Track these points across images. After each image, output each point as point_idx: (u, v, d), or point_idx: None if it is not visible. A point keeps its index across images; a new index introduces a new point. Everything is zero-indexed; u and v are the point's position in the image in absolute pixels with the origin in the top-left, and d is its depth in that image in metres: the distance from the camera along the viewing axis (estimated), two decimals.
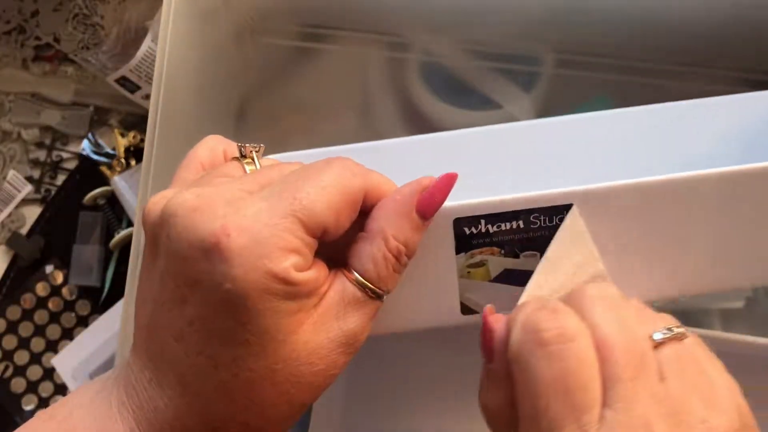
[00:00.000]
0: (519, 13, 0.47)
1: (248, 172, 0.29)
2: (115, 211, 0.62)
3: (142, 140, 0.61)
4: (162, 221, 0.27)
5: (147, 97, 0.60)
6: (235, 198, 0.26)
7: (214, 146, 0.31)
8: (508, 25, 0.47)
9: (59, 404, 0.29)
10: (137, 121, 0.63)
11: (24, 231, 0.63)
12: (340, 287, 0.28)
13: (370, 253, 0.28)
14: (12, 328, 0.61)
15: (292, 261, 0.26)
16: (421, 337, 0.48)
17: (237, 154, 0.30)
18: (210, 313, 0.26)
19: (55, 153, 0.64)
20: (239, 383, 0.26)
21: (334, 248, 0.28)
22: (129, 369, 0.29)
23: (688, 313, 0.50)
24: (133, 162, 0.61)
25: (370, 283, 0.28)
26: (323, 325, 0.27)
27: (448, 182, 0.29)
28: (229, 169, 0.29)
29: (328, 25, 0.57)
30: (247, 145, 0.30)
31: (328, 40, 0.57)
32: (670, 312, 0.50)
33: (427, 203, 0.29)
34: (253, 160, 0.30)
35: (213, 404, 0.27)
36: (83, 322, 0.61)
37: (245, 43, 0.56)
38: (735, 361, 0.46)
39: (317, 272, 0.27)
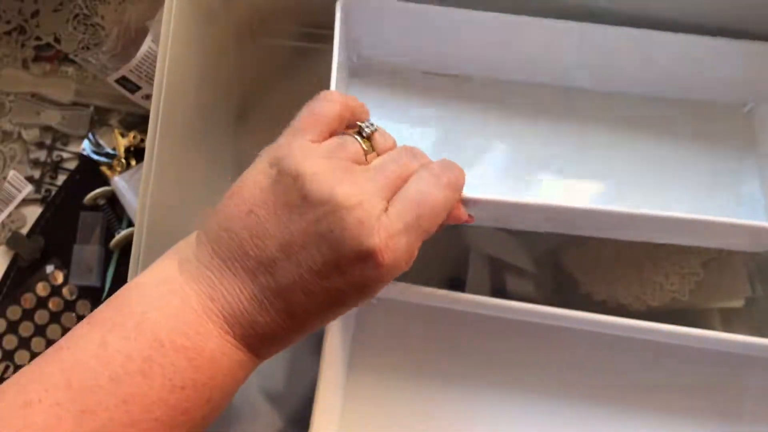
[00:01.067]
0: (518, 13, 0.47)
1: (367, 151, 0.37)
2: (115, 211, 0.62)
3: (143, 140, 0.61)
4: (321, 201, 0.33)
5: (147, 97, 0.60)
6: (383, 216, 0.34)
7: (342, 113, 0.37)
8: None
9: (122, 313, 0.34)
10: (137, 122, 0.63)
11: (24, 231, 0.63)
12: None
13: None
14: (12, 328, 0.61)
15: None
16: (420, 338, 0.48)
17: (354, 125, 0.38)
18: (348, 291, 0.34)
19: (55, 153, 0.64)
20: (336, 316, 0.37)
21: None
22: (220, 287, 0.34)
23: (687, 313, 0.50)
24: (133, 162, 0.61)
25: None
26: None
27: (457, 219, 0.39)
28: (353, 149, 0.36)
29: (328, 26, 0.57)
30: (366, 125, 0.37)
31: (328, 40, 0.57)
32: (671, 312, 0.50)
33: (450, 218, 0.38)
34: (369, 140, 0.37)
35: (312, 329, 0.36)
36: None
37: (245, 44, 0.56)
38: (735, 361, 0.46)
39: None
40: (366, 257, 0.33)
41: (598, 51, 0.47)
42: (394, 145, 0.38)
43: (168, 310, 0.33)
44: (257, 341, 0.35)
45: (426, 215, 0.35)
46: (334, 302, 0.35)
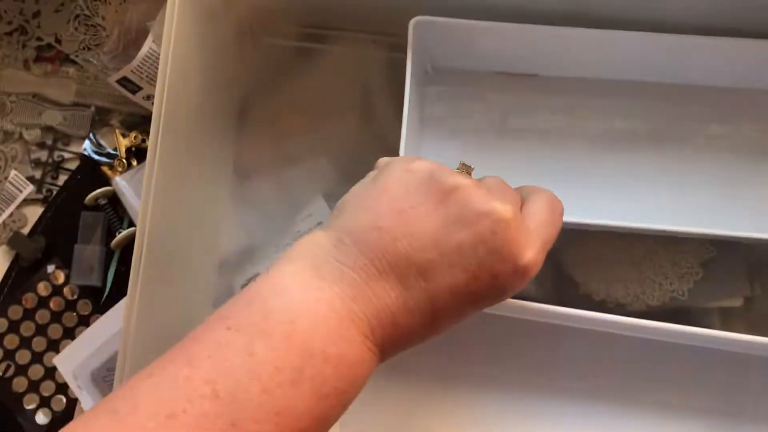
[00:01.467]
0: (517, 13, 0.48)
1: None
2: (116, 211, 0.62)
3: (143, 141, 0.61)
4: (483, 211, 0.34)
5: (148, 97, 0.60)
6: (528, 232, 0.36)
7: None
8: None
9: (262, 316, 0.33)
10: (138, 122, 0.63)
11: (25, 231, 0.63)
12: None
13: None
14: (13, 327, 0.61)
15: None
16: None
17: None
18: (490, 295, 0.35)
19: (56, 153, 0.64)
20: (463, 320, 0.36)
21: None
22: (365, 288, 0.34)
23: (687, 313, 0.50)
24: (134, 162, 0.61)
25: None
26: None
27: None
28: (462, 177, 0.37)
29: (328, 26, 0.57)
30: (467, 163, 0.40)
31: (328, 40, 0.57)
32: (670, 311, 0.50)
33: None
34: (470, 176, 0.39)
35: (439, 333, 0.36)
36: (84, 321, 0.61)
37: (246, 44, 0.56)
38: (734, 359, 0.46)
39: None
40: (520, 268, 0.35)
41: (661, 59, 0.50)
42: None
43: (316, 319, 0.32)
44: (392, 344, 0.35)
45: (552, 236, 0.38)
46: (473, 305, 0.36)
